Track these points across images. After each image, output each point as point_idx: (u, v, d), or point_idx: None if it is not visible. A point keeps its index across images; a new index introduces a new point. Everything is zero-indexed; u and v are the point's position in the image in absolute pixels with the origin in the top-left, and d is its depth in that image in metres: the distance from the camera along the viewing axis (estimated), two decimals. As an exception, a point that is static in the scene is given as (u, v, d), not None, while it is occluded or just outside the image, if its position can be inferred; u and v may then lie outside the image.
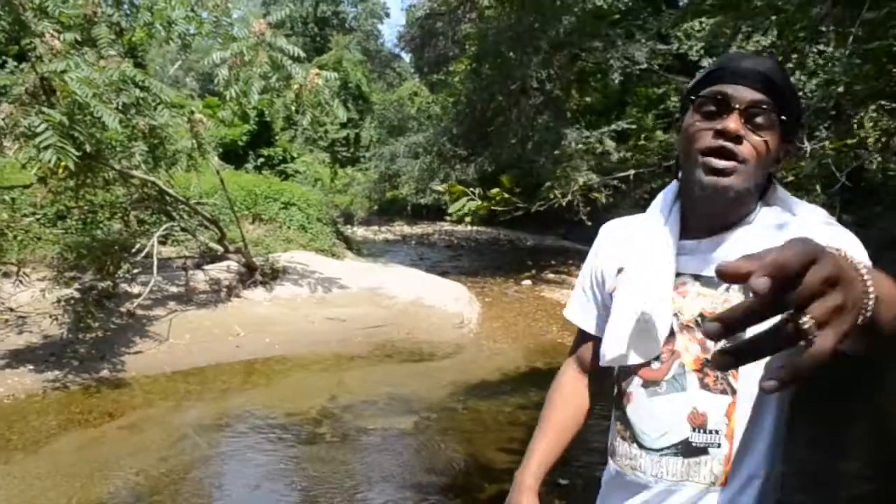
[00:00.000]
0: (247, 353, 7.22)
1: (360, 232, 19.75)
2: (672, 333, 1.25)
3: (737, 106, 1.15)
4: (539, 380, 6.05)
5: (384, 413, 5.74)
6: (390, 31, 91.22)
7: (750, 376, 1.18)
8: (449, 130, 15.93)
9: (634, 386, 1.30)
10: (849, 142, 3.55)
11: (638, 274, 1.28)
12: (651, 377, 1.27)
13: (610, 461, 1.37)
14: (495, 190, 2.82)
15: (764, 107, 1.15)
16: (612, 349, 1.29)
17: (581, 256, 1.94)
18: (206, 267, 9.19)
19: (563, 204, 6.44)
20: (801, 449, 5.28)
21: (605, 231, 1.45)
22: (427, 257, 15.25)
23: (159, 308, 7.90)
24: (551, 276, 13.07)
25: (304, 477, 4.63)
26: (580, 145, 12.57)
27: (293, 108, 8.09)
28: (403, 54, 39.45)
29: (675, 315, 1.24)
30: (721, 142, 1.15)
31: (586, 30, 13.10)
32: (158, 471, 4.55)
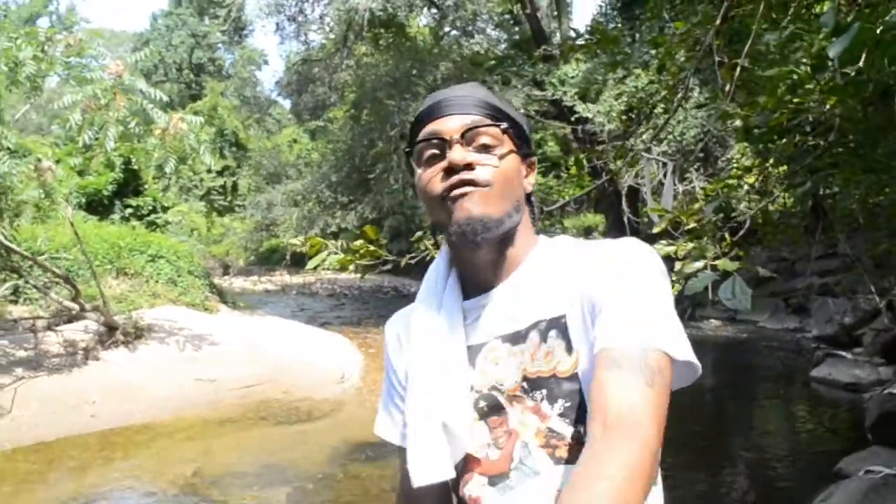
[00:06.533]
0: (103, 423, 6.53)
1: (238, 283, 18.94)
2: (501, 409, 1.04)
3: (453, 136, 1.04)
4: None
5: (256, 485, 5.23)
6: (270, 78, 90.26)
7: None
8: (328, 177, 15.61)
9: (479, 487, 1.04)
10: (729, 182, 3.48)
11: (425, 382, 1.08)
12: (496, 470, 1.03)
13: None
14: (358, 242, 2.52)
15: (480, 126, 1.05)
16: (421, 468, 1.05)
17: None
18: (59, 327, 8.38)
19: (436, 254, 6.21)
20: (679, 491, 5.17)
21: (388, 329, 1.24)
22: (308, 307, 14.70)
23: (2, 375, 7.08)
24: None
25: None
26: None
27: (155, 155, 7.56)
28: (281, 100, 39.04)
29: (496, 388, 1.05)
30: (454, 178, 1.03)
31: (463, 76, 13.18)
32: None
